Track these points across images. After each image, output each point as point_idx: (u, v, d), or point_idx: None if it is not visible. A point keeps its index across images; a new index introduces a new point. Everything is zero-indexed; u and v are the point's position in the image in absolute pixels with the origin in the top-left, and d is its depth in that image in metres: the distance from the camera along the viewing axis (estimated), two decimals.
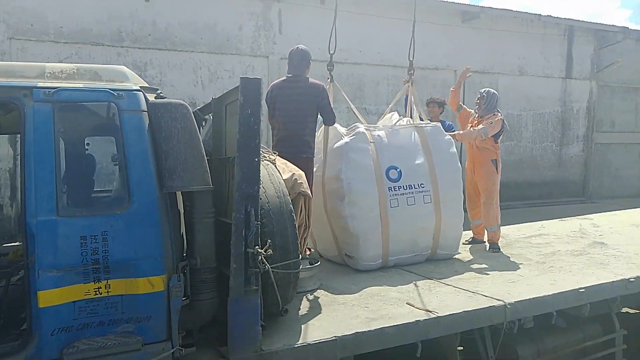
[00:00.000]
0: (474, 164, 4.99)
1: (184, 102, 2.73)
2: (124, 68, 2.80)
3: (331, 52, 4.81)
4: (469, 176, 5.34)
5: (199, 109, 3.78)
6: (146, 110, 2.64)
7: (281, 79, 4.37)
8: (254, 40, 9.89)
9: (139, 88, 2.68)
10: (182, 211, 3.01)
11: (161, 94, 2.81)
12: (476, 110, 5.36)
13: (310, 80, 4.27)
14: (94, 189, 2.99)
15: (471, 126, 5.29)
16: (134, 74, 2.83)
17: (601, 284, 3.88)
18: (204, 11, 9.44)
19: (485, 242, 5.30)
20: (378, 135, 4.46)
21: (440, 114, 5.99)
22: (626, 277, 3.98)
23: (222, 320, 2.82)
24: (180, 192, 2.85)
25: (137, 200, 2.56)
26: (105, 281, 2.50)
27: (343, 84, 10.51)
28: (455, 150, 4.67)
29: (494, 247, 5.05)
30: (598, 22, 13.53)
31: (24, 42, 8.27)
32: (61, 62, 8.44)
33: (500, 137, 5.28)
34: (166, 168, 2.61)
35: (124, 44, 8.88)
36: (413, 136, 4.53)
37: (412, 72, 5.16)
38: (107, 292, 2.51)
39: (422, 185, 4.37)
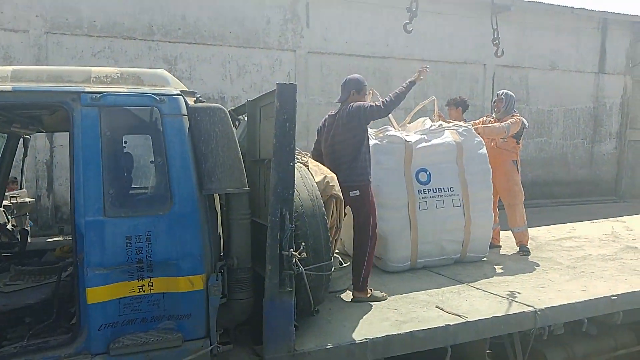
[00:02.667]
0: (494, 165, 4.75)
1: (221, 106, 2.79)
2: (164, 72, 2.86)
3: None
4: None
5: (232, 109, 3.84)
6: (186, 114, 2.71)
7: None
8: (282, 34, 9.94)
9: (180, 92, 2.74)
10: (219, 212, 3.09)
11: (200, 98, 2.88)
12: (494, 113, 5.33)
13: (351, 104, 3.75)
14: (139, 187, 3.09)
15: None
16: (175, 78, 2.89)
17: (634, 291, 3.82)
18: (232, 4, 9.51)
19: (500, 246, 5.26)
20: (409, 137, 4.47)
21: (463, 113, 5.49)
22: None
23: (257, 320, 2.89)
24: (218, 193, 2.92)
25: (178, 201, 2.64)
26: (149, 279, 2.59)
27: (370, 79, 10.47)
28: (485, 151, 4.63)
29: (524, 249, 4.99)
30: (634, 14, 13.13)
31: (59, 37, 8.49)
32: (94, 55, 8.64)
33: (522, 138, 5.22)
34: (205, 170, 2.68)
35: (154, 38, 9.03)
36: (444, 138, 4.51)
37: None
38: (150, 289, 2.60)
39: (451, 189, 4.37)
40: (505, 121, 5.08)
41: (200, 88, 9.35)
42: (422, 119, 5.04)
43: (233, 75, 9.78)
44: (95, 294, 2.47)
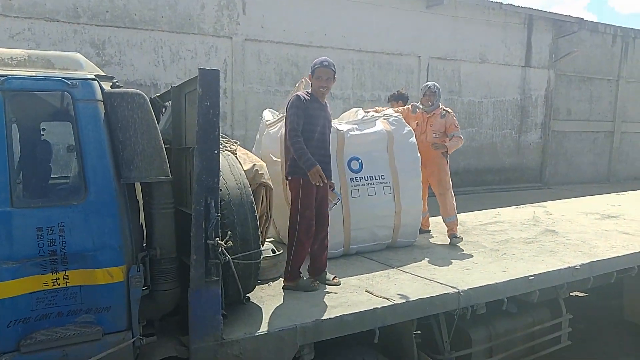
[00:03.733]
0: (426, 157, 4.91)
1: (140, 92, 2.68)
2: (78, 55, 2.71)
3: None
4: None
5: (158, 96, 3.71)
6: (102, 99, 2.58)
7: None
8: (217, 20, 9.69)
9: (94, 77, 2.61)
10: (141, 201, 2.98)
11: (117, 83, 2.75)
12: (425, 106, 5.19)
13: (290, 98, 3.84)
14: (51, 176, 2.92)
15: (417, 123, 5.18)
16: (89, 62, 2.74)
17: (549, 271, 4.07)
18: None
19: (429, 230, 5.40)
20: (340, 126, 4.51)
21: (405, 105, 5.65)
22: (572, 265, 4.19)
23: (183, 309, 2.83)
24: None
25: (94, 191, 2.52)
26: (64, 272, 2.48)
27: (308, 68, 10.52)
28: (414, 140, 4.76)
29: (455, 237, 5.00)
30: (556, 12, 13.90)
31: None
32: (12, 37, 8.05)
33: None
34: (123, 159, 2.57)
35: (80, 21, 8.53)
36: (375, 127, 4.59)
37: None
38: (66, 282, 2.49)
39: (382, 177, 4.46)
40: (450, 122, 5.18)
41: (131, 74, 8.97)
42: (354, 109, 5.11)
43: (166, 61, 9.42)
44: (3, 289, 2.32)
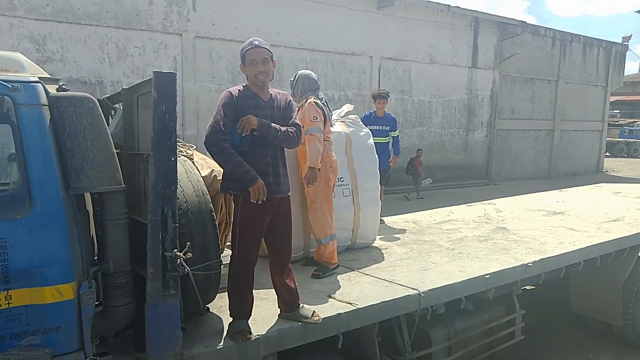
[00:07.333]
0: (301, 162, 4.05)
1: (90, 96, 2.50)
2: (19, 55, 2.50)
3: None
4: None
5: (107, 97, 3.51)
6: (47, 104, 2.39)
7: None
8: (166, 16, 9.40)
9: (38, 79, 2.41)
10: (91, 211, 2.80)
11: (64, 86, 2.56)
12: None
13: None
14: None
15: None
16: (32, 63, 2.54)
17: (504, 269, 4.19)
18: None
19: (336, 266, 4.10)
20: None
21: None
22: (525, 262, 4.33)
23: (138, 324, 2.69)
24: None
25: (39, 203, 2.33)
26: (6, 292, 2.27)
27: None
28: (372, 142, 4.76)
29: (324, 270, 3.99)
30: (500, 15, 14.42)
31: None
32: None
33: (325, 124, 4.04)
34: (72, 167, 2.39)
35: (17, 14, 8.03)
36: (334, 129, 4.56)
37: None
38: (8, 303, 2.29)
39: (341, 179, 4.44)
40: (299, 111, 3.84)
41: (75, 71, 8.55)
42: None
43: (112, 58, 9.04)
44: None
